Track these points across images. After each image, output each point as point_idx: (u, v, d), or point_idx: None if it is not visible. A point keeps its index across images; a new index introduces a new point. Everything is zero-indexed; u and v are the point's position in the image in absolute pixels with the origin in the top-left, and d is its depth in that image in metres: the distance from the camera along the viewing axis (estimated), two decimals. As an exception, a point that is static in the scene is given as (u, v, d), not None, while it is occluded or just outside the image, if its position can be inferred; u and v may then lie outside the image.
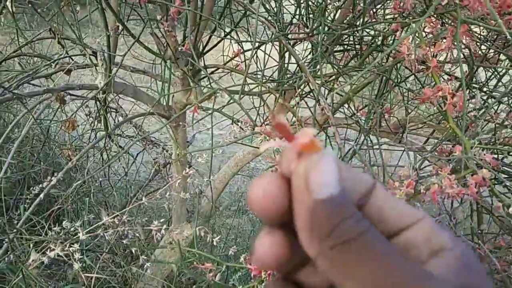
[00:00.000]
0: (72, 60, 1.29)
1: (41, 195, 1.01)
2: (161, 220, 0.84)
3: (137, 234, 1.10)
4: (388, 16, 1.06)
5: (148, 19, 1.02)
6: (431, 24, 0.83)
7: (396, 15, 0.92)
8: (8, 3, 0.90)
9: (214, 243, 0.96)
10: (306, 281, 0.22)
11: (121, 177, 1.89)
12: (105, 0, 0.89)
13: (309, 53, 1.35)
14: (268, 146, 0.21)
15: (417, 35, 0.85)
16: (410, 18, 0.86)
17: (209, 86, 1.36)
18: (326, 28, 1.19)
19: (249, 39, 1.39)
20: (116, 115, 1.75)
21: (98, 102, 1.21)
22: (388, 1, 1.05)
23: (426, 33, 0.92)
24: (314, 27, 0.99)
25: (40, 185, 1.24)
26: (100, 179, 1.64)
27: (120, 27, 1.10)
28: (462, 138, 0.74)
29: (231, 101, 1.04)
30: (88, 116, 1.60)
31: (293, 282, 0.22)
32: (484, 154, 0.67)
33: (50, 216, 1.63)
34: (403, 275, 0.18)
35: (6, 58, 1.13)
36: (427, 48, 0.82)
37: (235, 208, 3.13)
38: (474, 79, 1.21)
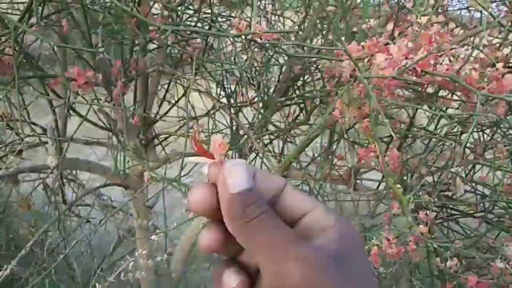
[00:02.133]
0: (23, 140, 1.28)
1: (-7, 289, 0.97)
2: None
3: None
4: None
5: (93, 99, 1.04)
6: (359, 87, 0.89)
7: (329, 78, 0.98)
8: None
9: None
10: (246, 261, 0.29)
11: (83, 249, 1.84)
12: (47, 97, 0.91)
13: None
14: (192, 160, 0.29)
15: (347, 98, 0.90)
16: (340, 82, 0.92)
17: (164, 152, 1.38)
18: (272, 89, 1.25)
19: (201, 100, 1.43)
20: (73, 184, 1.73)
21: (47, 186, 1.20)
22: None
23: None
24: (254, 95, 1.03)
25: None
26: (62, 255, 1.59)
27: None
28: (398, 194, 0.78)
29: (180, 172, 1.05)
30: (44, 190, 1.57)
31: (237, 262, 0.29)
32: (418, 212, 0.71)
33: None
34: (284, 241, 0.25)
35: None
36: (359, 110, 0.87)
37: (211, 259, 3.07)
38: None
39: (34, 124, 1.26)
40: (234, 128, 1.27)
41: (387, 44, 0.70)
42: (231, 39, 1.18)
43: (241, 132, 1.37)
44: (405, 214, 0.75)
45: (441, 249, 1.21)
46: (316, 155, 1.32)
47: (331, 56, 0.87)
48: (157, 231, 1.03)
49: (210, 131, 1.08)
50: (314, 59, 0.88)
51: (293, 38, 1.14)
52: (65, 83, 0.84)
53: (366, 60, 0.61)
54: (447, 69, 0.67)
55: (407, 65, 0.56)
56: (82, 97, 0.95)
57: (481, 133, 1.27)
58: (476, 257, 0.66)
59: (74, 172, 1.60)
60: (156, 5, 1.07)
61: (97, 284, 1.11)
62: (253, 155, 1.49)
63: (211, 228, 0.28)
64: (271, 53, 1.17)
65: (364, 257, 0.28)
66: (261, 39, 0.64)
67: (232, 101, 1.20)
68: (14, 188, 1.30)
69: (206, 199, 0.27)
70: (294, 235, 0.26)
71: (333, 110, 0.88)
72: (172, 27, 0.59)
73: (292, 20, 1.23)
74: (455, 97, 1.04)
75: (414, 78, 0.58)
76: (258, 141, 0.97)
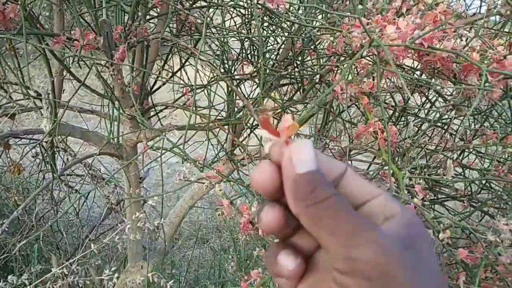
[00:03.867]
0: (16, 104, 1.26)
1: (-16, 248, 0.97)
2: (113, 269, 0.83)
3: (90, 279, 1.08)
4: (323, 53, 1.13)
5: (93, 64, 1.02)
6: (361, 64, 0.90)
7: (330, 55, 0.99)
8: None
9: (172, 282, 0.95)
10: (299, 243, 0.29)
11: (72, 218, 1.83)
12: (49, 48, 0.89)
13: (256, 87, 1.40)
14: (262, 133, 0.28)
15: (349, 74, 0.92)
16: (342, 58, 0.93)
17: (159, 124, 1.37)
18: (269, 66, 1.25)
19: (198, 74, 1.42)
20: (64, 155, 1.72)
21: (42, 147, 1.19)
22: (323, 41, 1.12)
23: (358, 71, 1.00)
24: (254, 69, 1.04)
25: (-16, 236, 1.18)
26: (50, 222, 1.59)
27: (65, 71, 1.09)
28: (394, 170, 0.80)
29: (181, 140, 1.06)
30: (34, 158, 1.56)
31: (289, 244, 0.29)
32: (413, 185, 0.73)
33: (-4, 264, 1.54)
34: (355, 225, 0.25)
35: None
36: (359, 87, 0.88)
37: (196, 238, 3.09)
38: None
39: (28, 88, 1.24)
40: (231, 102, 1.27)
41: (394, 19, 0.71)
42: (233, 11, 1.17)
43: (237, 107, 1.38)
44: (401, 189, 0.78)
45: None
46: (310, 134, 1.33)
47: (334, 32, 0.87)
48: (150, 199, 1.03)
49: (209, 103, 1.08)
50: (318, 34, 0.88)
51: (293, 17, 1.14)
52: (66, 43, 0.83)
53: (377, 30, 0.62)
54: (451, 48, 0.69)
55: (417, 35, 0.58)
56: (83, 61, 0.94)
57: (471, 119, 1.30)
58: (468, 229, 0.69)
59: (65, 141, 1.59)
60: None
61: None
62: (247, 132, 1.50)
63: (274, 207, 0.27)
64: (272, 27, 1.17)
65: (430, 247, 0.27)
66: (271, 5, 0.64)
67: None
68: (5, 152, 1.28)
69: (269, 178, 0.27)
70: (364, 220, 0.26)
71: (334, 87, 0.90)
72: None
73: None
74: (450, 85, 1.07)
75: (423, 49, 0.59)
76: (258, 114, 0.97)
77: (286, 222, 0.27)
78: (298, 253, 0.28)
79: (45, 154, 1.34)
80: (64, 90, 1.34)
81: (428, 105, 1.39)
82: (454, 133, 1.29)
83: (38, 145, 1.21)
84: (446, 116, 1.30)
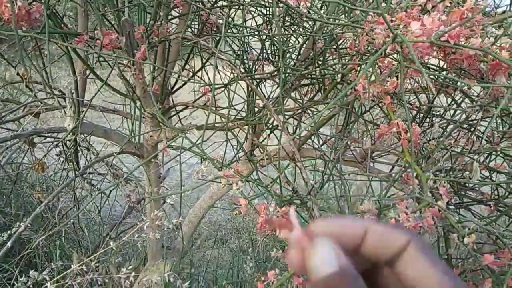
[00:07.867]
0: (41, 103, 1.29)
1: (8, 243, 0.99)
2: (130, 267, 0.84)
3: (108, 279, 1.09)
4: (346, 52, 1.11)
5: (115, 63, 1.04)
6: (385, 63, 0.88)
7: (352, 54, 0.97)
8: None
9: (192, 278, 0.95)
10: None
11: (93, 216, 1.86)
12: (72, 48, 0.91)
13: (277, 87, 1.39)
14: (282, 235, 0.27)
15: (372, 73, 0.90)
16: (365, 57, 0.91)
17: (179, 124, 1.38)
18: (290, 65, 1.24)
19: (218, 75, 1.43)
20: (87, 153, 1.75)
21: (65, 146, 1.21)
22: (345, 40, 1.10)
23: (381, 71, 0.98)
24: (275, 67, 1.03)
25: (9, 232, 1.21)
26: (72, 219, 1.62)
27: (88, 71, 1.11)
28: (418, 172, 0.78)
29: (200, 139, 1.05)
30: (58, 156, 1.59)
31: None
32: (438, 188, 0.71)
33: (21, 260, 1.58)
34: None
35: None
36: (382, 86, 0.86)
37: (214, 238, 3.10)
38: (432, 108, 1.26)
39: (53, 88, 1.26)
40: (250, 102, 1.26)
41: (419, 16, 0.69)
42: (252, 10, 1.17)
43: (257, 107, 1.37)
44: (424, 191, 0.75)
45: (449, 233, 1.21)
46: (330, 135, 1.31)
47: (357, 30, 0.86)
48: (169, 199, 1.04)
49: (228, 103, 1.08)
50: (340, 32, 0.87)
51: (315, 16, 1.13)
52: (88, 42, 0.84)
53: (401, 27, 0.60)
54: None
55: (444, 31, 0.55)
56: (105, 60, 0.95)
57: (499, 121, 1.26)
58: (495, 234, 0.66)
59: (88, 139, 1.61)
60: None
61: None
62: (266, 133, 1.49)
63: None
64: (294, 27, 1.16)
65: None
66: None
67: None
68: (30, 150, 1.31)
69: (299, 263, 0.25)
70: None
71: (356, 85, 0.88)
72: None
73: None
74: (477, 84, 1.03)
75: (450, 45, 0.57)
76: (278, 115, 0.96)
77: None
78: None
79: (68, 153, 1.37)
80: (88, 89, 1.37)
81: (454, 106, 1.35)
82: (481, 135, 1.25)
83: (61, 144, 1.23)
84: (472, 117, 1.26)
